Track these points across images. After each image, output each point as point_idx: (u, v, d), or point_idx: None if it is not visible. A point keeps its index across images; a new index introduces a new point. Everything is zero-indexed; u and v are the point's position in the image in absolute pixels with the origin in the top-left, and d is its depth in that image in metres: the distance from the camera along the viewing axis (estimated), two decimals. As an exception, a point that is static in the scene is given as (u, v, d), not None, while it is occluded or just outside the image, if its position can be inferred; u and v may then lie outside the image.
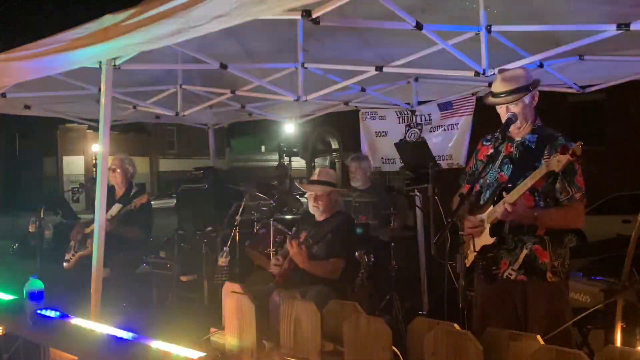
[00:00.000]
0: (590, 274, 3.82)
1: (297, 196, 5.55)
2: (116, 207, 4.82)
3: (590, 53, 4.32)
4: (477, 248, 2.81)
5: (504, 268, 2.78)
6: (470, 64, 3.66)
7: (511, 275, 2.75)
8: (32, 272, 2.94)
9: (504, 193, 2.68)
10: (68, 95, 5.49)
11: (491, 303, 2.86)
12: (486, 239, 2.77)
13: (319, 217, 3.90)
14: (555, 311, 2.68)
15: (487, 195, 2.85)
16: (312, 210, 3.92)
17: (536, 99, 2.85)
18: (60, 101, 5.88)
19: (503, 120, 2.85)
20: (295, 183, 4.28)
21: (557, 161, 2.45)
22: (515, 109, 2.79)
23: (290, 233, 4.53)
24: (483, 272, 2.84)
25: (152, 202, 5.06)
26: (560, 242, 2.76)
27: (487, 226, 2.76)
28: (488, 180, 2.89)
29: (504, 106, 2.83)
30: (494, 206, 2.73)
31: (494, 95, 2.86)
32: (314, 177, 3.97)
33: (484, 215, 2.79)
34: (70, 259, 4.87)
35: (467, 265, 2.84)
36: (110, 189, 4.96)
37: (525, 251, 2.73)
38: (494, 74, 3.00)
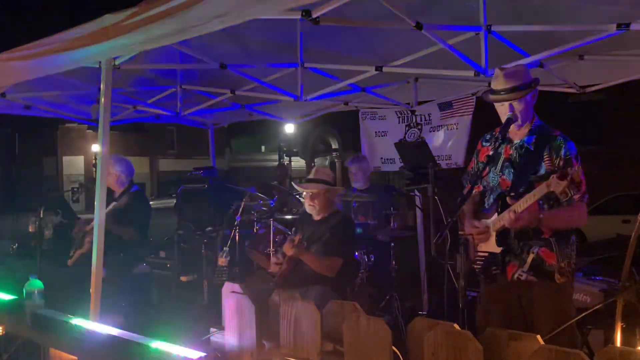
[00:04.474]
0: (590, 274, 3.81)
1: (297, 196, 5.55)
2: (111, 207, 4.81)
3: (590, 53, 4.31)
4: (484, 253, 2.80)
5: (512, 270, 2.77)
6: (470, 64, 3.66)
7: (521, 276, 2.74)
8: (32, 272, 2.94)
9: (507, 199, 2.68)
10: (68, 95, 5.50)
11: (495, 303, 2.85)
12: (493, 247, 2.77)
13: (316, 216, 3.90)
14: (563, 312, 2.67)
15: (492, 200, 2.84)
16: (308, 209, 3.92)
17: (536, 98, 2.81)
18: (60, 101, 5.88)
19: (502, 119, 2.78)
20: (292, 183, 4.27)
21: (556, 184, 2.46)
22: (517, 106, 2.72)
23: (290, 233, 4.53)
24: (483, 272, 2.83)
25: (151, 202, 5.04)
26: (566, 241, 2.74)
27: (493, 234, 2.76)
28: (491, 184, 2.88)
29: (505, 104, 2.74)
30: (498, 214, 2.72)
31: (495, 92, 2.77)
32: (310, 176, 3.97)
33: (489, 222, 2.79)
34: (72, 255, 4.88)
35: (478, 270, 2.84)
36: (108, 190, 4.93)
37: (532, 255, 2.72)
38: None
